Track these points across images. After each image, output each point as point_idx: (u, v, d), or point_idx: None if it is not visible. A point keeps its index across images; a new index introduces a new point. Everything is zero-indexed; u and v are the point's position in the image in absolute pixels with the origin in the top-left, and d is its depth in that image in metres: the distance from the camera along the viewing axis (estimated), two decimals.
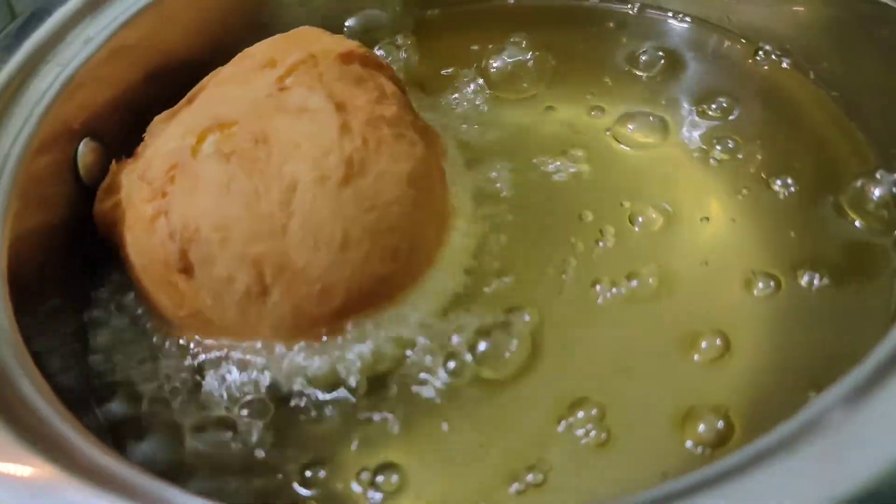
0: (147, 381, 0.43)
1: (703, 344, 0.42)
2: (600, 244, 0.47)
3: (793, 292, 0.43)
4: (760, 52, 0.54)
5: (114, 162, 0.47)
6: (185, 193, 0.42)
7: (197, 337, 0.44)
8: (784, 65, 0.53)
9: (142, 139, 0.48)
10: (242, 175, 0.41)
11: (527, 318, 0.43)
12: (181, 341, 0.44)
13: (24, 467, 0.31)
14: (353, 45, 0.50)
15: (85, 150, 0.47)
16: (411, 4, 0.62)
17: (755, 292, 0.43)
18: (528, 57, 0.58)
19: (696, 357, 0.41)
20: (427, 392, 0.41)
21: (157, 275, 0.43)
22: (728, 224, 0.47)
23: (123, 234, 0.45)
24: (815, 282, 0.43)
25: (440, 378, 0.41)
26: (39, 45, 0.47)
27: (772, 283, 0.43)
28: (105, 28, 0.49)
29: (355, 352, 0.42)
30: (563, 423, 0.39)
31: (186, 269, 0.41)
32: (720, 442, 0.38)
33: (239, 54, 0.50)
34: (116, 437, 0.42)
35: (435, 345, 0.42)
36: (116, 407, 0.43)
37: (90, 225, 0.47)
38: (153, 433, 0.42)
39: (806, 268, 0.43)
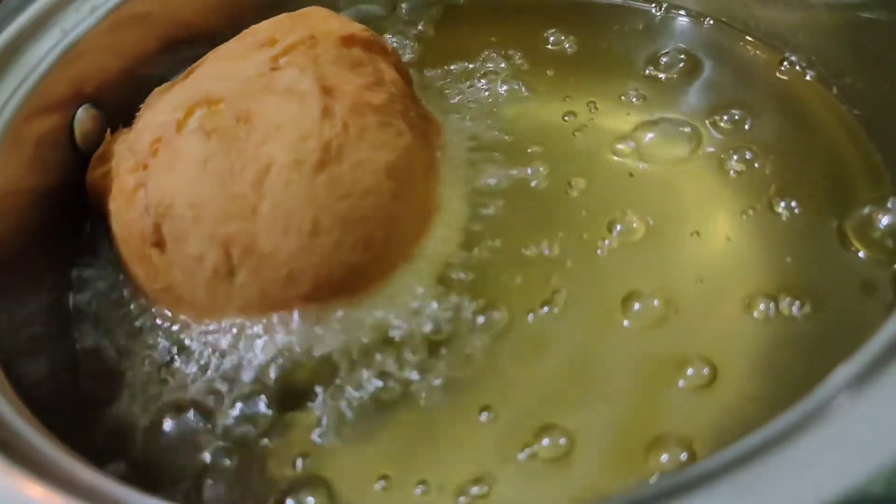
0: (124, 354, 0.43)
1: (690, 370, 0.39)
2: (597, 251, 0.45)
3: (783, 320, 0.41)
4: (785, 63, 0.51)
5: (108, 131, 0.48)
6: (165, 168, 0.42)
7: (168, 311, 0.44)
8: (808, 77, 0.50)
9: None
10: (220, 153, 0.41)
11: (497, 316, 0.42)
12: (155, 312, 0.44)
13: None
14: (357, 27, 0.49)
15: (83, 117, 0.48)
16: None
17: (749, 315, 0.41)
18: (546, 53, 0.56)
19: (680, 383, 0.39)
20: (364, 394, 0.40)
21: (133, 246, 0.43)
22: (725, 242, 0.44)
23: (109, 203, 0.45)
24: (806, 310, 0.40)
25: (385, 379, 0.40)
26: (44, 10, 0.47)
27: (763, 308, 0.41)
28: None
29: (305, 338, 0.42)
30: (527, 450, 0.38)
31: (159, 244, 0.41)
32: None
33: (244, 31, 0.50)
34: (88, 406, 0.43)
35: (404, 336, 0.42)
36: (89, 381, 0.43)
37: (82, 192, 0.47)
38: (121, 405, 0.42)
39: (799, 296, 0.41)
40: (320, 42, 0.47)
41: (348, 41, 0.48)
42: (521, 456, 0.37)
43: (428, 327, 0.42)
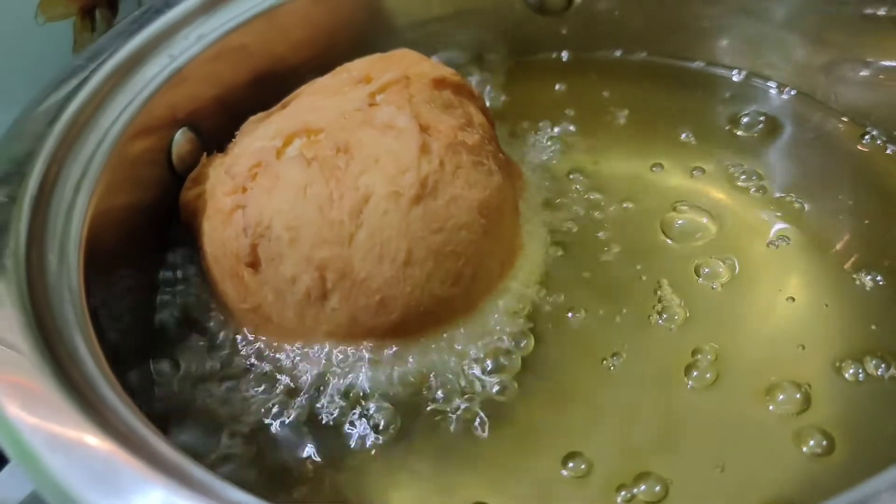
0: (199, 367, 0.44)
1: (811, 441, 0.39)
2: (673, 316, 0.45)
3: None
4: (867, 136, 0.52)
5: (204, 154, 0.49)
6: (264, 191, 0.43)
7: (252, 331, 0.45)
8: (889, 151, 0.51)
9: (234, 136, 0.50)
10: (320, 180, 0.42)
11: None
12: (236, 331, 0.45)
13: (77, 433, 0.31)
14: (448, 71, 0.51)
15: (181, 140, 0.50)
16: (511, 50, 0.63)
17: (844, 376, 0.41)
18: (620, 111, 0.58)
19: (803, 449, 0.39)
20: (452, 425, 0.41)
21: (226, 265, 0.44)
22: (812, 307, 0.45)
23: (202, 223, 0.46)
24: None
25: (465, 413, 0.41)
26: (154, 36, 0.49)
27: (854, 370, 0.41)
28: (218, 28, 0.51)
29: (392, 370, 0.42)
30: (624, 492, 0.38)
31: (254, 263, 0.42)
32: None
33: (338, 67, 0.52)
34: (162, 418, 0.43)
35: (485, 372, 0.42)
36: (164, 390, 0.44)
37: (175, 210, 0.49)
38: (194, 419, 0.43)
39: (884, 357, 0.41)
40: (414, 83, 0.48)
41: (440, 84, 0.49)
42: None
43: (511, 363, 0.42)
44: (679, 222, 0.50)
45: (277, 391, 0.43)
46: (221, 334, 0.46)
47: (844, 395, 0.41)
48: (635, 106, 0.58)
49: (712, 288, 0.46)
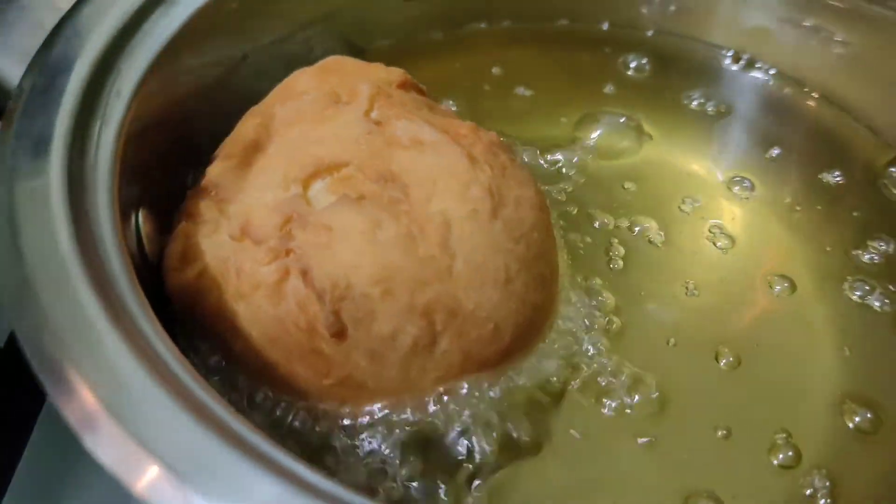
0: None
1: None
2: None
3: None
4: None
5: (183, 224, 0.41)
6: (321, 248, 0.37)
7: (338, 406, 0.39)
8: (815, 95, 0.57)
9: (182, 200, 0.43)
10: (388, 218, 0.38)
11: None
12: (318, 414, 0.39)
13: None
14: (400, 72, 0.48)
15: (143, 222, 0.41)
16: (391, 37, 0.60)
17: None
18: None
19: None
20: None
21: (292, 344, 0.38)
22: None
23: (224, 304, 0.39)
24: None
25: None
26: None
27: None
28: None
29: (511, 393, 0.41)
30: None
31: (340, 333, 0.37)
32: None
33: (278, 90, 0.46)
34: None
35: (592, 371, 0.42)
36: None
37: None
38: None
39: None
40: (387, 90, 0.45)
41: (405, 86, 0.46)
42: None
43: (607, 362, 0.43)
44: None
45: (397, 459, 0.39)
46: (296, 420, 0.39)
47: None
48: (534, 76, 0.59)
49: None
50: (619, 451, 0.40)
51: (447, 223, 0.38)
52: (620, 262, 0.47)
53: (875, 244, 0.49)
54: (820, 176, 0.53)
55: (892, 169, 0.53)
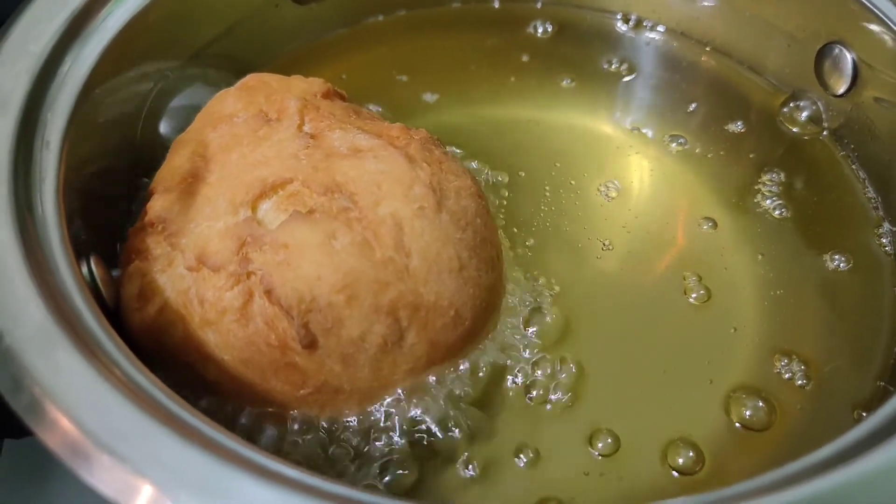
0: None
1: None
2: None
3: None
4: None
5: (135, 264, 0.41)
6: (280, 266, 0.39)
7: (317, 412, 0.41)
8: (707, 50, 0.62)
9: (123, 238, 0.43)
10: (342, 228, 0.39)
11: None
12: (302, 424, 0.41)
13: None
14: (321, 81, 0.49)
15: (96, 269, 0.41)
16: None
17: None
18: None
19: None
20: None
21: (266, 362, 0.39)
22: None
23: (192, 335, 0.40)
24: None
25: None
26: None
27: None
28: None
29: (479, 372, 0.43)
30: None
31: (312, 343, 0.39)
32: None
33: (203, 115, 0.47)
34: None
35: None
36: None
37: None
38: None
39: None
40: (314, 102, 0.46)
41: (329, 95, 0.48)
42: None
43: (550, 318, 0.46)
44: None
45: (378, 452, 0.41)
46: (272, 432, 0.41)
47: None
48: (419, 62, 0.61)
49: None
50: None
51: (398, 224, 0.40)
52: (550, 223, 0.51)
53: (772, 176, 0.54)
54: (725, 125, 0.57)
55: (785, 109, 0.58)
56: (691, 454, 0.41)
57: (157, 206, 0.43)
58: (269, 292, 0.38)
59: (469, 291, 0.41)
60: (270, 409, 0.41)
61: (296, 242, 0.39)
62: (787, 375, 0.45)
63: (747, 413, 0.43)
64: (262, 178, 0.41)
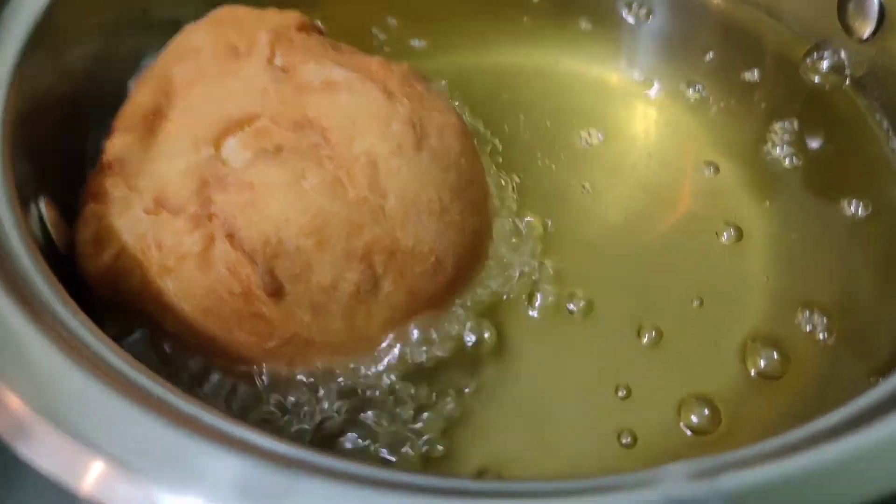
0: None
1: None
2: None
3: None
4: None
5: (89, 206, 0.38)
6: (244, 207, 0.36)
7: (287, 366, 0.38)
8: None
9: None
10: (312, 166, 0.36)
11: None
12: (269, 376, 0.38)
13: None
14: (296, 14, 0.45)
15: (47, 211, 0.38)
16: None
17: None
18: None
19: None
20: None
21: (228, 312, 0.36)
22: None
23: (150, 282, 0.37)
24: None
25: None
26: None
27: None
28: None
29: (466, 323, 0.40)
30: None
31: (277, 291, 0.35)
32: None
33: (171, 50, 0.43)
34: None
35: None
36: None
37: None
38: None
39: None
40: (288, 35, 0.42)
41: (304, 28, 0.44)
42: None
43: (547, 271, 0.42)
44: None
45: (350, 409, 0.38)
46: (241, 388, 0.38)
47: None
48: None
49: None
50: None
51: (373, 162, 0.36)
52: (553, 166, 0.47)
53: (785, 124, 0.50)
54: (741, 74, 0.53)
55: (808, 60, 0.54)
56: (706, 412, 0.38)
57: (116, 145, 0.39)
58: (231, 236, 0.35)
59: (451, 236, 0.38)
60: (238, 365, 0.38)
61: (261, 182, 0.36)
62: (808, 328, 0.41)
63: (763, 363, 0.40)
64: (227, 114, 0.38)
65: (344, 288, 0.36)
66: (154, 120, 0.39)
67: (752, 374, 0.40)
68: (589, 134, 0.49)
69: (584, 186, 0.47)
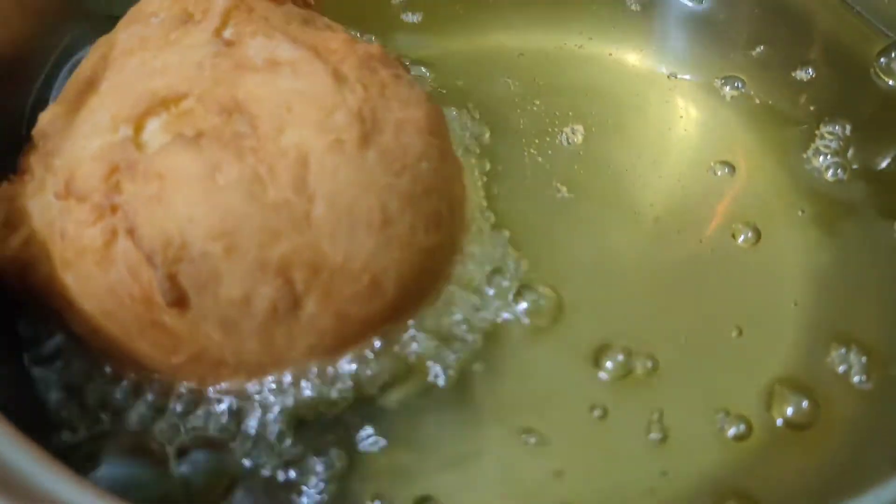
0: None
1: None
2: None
3: None
4: None
5: (5, 184, 0.34)
6: (150, 201, 0.31)
7: (197, 384, 0.33)
8: None
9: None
10: (230, 158, 0.31)
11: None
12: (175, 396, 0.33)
13: None
14: None
15: None
16: None
17: None
18: None
19: None
20: None
21: (129, 318, 0.32)
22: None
23: (55, 276, 0.33)
24: None
25: None
26: None
27: None
28: None
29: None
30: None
31: (180, 301, 0.30)
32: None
33: (127, 16, 0.38)
34: None
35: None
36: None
37: None
38: None
39: None
40: (249, 3, 0.37)
41: None
42: None
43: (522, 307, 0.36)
44: None
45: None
46: (144, 403, 0.33)
47: None
48: None
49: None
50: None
51: (303, 159, 0.31)
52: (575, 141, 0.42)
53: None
54: (792, 72, 0.45)
55: (883, 59, 0.45)
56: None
57: (45, 119, 0.35)
58: (131, 232, 0.30)
59: (394, 255, 0.32)
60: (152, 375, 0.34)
61: (172, 173, 0.31)
62: (841, 368, 0.34)
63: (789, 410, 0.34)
64: (154, 91, 0.33)
65: (258, 304, 0.31)
66: (86, 91, 0.35)
67: (779, 422, 0.34)
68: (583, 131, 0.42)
69: (557, 188, 0.40)
